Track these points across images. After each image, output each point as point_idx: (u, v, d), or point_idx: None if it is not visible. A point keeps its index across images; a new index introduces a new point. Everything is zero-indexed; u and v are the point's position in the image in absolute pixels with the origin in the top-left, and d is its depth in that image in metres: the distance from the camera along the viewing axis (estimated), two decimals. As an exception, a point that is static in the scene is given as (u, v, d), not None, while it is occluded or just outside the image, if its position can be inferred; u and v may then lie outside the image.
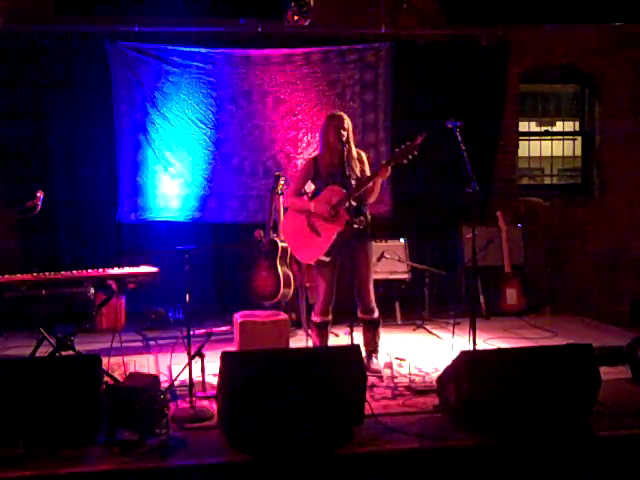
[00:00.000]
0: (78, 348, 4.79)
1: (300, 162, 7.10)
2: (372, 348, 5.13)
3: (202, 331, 5.91)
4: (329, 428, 3.69)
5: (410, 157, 4.81)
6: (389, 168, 4.90)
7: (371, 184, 4.97)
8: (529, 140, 8.33)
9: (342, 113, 5.11)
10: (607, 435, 3.81)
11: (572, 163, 8.49)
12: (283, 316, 5.65)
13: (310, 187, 5.26)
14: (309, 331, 5.59)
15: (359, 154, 5.15)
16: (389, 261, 6.72)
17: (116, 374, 4.71)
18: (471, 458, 3.65)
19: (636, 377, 4.68)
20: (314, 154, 5.29)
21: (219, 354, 3.75)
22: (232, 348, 5.54)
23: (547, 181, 8.65)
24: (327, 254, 5.02)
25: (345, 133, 4.96)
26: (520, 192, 7.98)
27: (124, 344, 4.92)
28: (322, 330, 5.21)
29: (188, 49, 7.06)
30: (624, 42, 7.81)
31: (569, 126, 8.47)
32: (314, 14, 6.56)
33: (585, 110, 8.26)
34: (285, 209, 5.90)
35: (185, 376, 4.39)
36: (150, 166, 7.10)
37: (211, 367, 4.55)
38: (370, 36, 7.32)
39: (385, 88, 7.40)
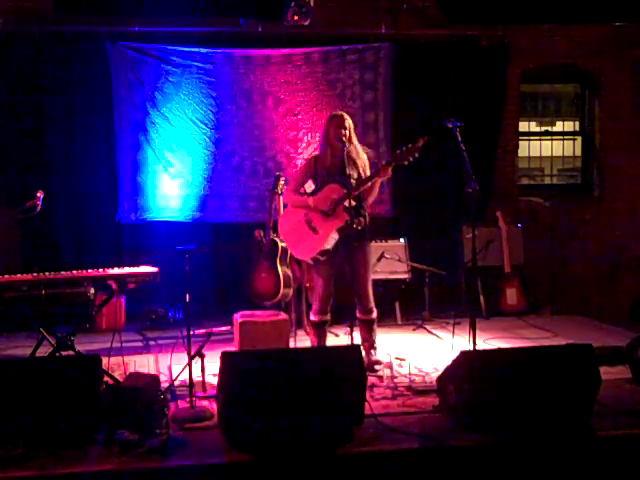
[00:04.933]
0: (78, 348, 4.79)
1: (300, 162, 7.10)
2: (370, 344, 5.15)
3: (202, 331, 5.91)
4: (329, 428, 3.68)
5: (411, 159, 4.82)
6: (389, 169, 4.90)
7: (370, 184, 4.97)
8: (529, 140, 8.32)
9: (343, 113, 5.13)
10: (607, 435, 3.81)
11: (572, 163, 8.49)
12: (283, 316, 5.66)
13: (310, 187, 5.27)
14: (308, 331, 5.59)
15: (360, 155, 5.14)
16: (389, 261, 6.71)
17: (116, 374, 4.70)
18: (471, 458, 3.65)
19: (636, 377, 4.68)
20: (315, 153, 5.28)
21: (219, 354, 3.75)
22: (232, 348, 5.54)
23: (547, 181, 8.64)
24: (324, 252, 5.02)
25: (345, 132, 4.97)
26: (520, 192, 7.98)
27: (124, 344, 4.91)
28: (320, 329, 5.21)
29: (188, 49, 7.06)
30: (624, 42, 7.82)
31: (569, 126, 8.46)
32: (314, 14, 6.57)
33: (585, 110, 8.26)
34: (285, 205, 5.90)
35: (185, 376, 4.39)
36: (150, 166, 7.10)
37: (211, 367, 4.55)
38: (370, 36, 7.31)
39: (385, 88, 7.40)
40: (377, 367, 5.01)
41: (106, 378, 4.36)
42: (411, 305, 7.00)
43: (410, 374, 4.89)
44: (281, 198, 6.27)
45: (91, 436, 3.67)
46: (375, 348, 5.17)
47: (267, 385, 3.65)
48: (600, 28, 7.69)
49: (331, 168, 5.05)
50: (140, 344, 6.03)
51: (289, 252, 6.06)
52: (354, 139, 5.09)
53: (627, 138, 7.96)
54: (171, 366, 4.98)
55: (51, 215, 6.59)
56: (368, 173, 5.10)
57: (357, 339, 4.81)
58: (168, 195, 7.14)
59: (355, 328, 4.83)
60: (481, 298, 6.99)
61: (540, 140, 8.39)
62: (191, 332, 4.45)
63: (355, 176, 4.99)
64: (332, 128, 5.01)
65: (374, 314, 5.15)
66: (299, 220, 5.13)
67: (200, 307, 6.63)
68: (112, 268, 4.88)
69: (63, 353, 4.70)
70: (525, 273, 7.30)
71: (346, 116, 5.08)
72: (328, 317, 5.22)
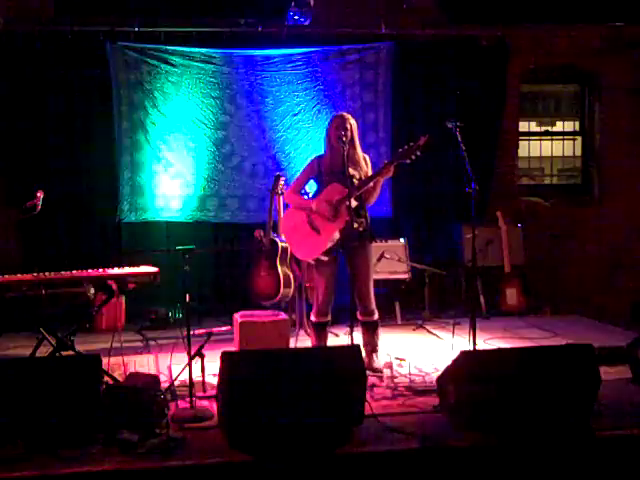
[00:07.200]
0: (78, 348, 4.79)
1: (300, 162, 7.10)
2: (372, 347, 5.11)
3: (202, 331, 5.91)
4: (329, 428, 3.68)
5: (413, 157, 4.80)
6: (391, 168, 4.89)
7: (372, 184, 4.96)
8: (529, 140, 8.33)
9: (345, 114, 5.11)
10: (607, 435, 3.81)
11: (572, 163, 8.49)
12: (283, 316, 5.65)
13: (312, 186, 5.27)
14: (309, 331, 5.59)
15: (363, 157, 5.14)
16: (389, 261, 6.71)
17: (116, 374, 4.70)
18: (471, 458, 3.65)
19: (636, 377, 4.68)
20: (316, 154, 5.27)
21: (219, 354, 3.75)
22: (232, 348, 5.54)
23: (547, 181, 8.64)
24: (326, 253, 5.01)
25: (347, 133, 4.95)
26: (520, 192, 7.99)
27: (124, 344, 4.92)
28: (321, 331, 5.20)
29: (188, 49, 7.06)
30: (624, 42, 7.82)
31: (569, 126, 8.47)
32: (314, 14, 6.57)
33: (585, 110, 8.26)
34: (286, 206, 5.90)
35: (185, 376, 4.39)
36: (150, 166, 7.10)
37: (211, 367, 4.55)
38: (370, 36, 7.32)
39: (385, 88, 7.40)
40: (378, 372, 4.99)
41: (106, 378, 4.36)
42: (411, 305, 7.01)
43: (410, 374, 4.88)
44: (281, 198, 6.27)
45: (91, 436, 3.67)
46: (377, 351, 5.13)
47: (267, 385, 3.65)
48: (600, 28, 7.69)
49: (333, 168, 5.03)
50: (140, 344, 6.03)
51: (289, 252, 6.06)
52: (356, 141, 5.07)
53: (627, 138, 7.96)
54: (171, 366, 4.98)
55: (51, 215, 6.58)
56: (370, 174, 5.09)
57: (357, 339, 4.80)
58: (168, 195, 7.14)
59: (355, 328, 4.82)
60: (481, 298, 6.99)
61: (540, 140, 8.40)
62: (191, 332, 4.45)
63: (357, 176, 4.98)
64: (334, 128, 4.99)
65: (376, 316, 5.12)
66: (301, 221, 5.11)
67: (200, 307, 6.63)
68: (112, 268, 4.88)
69: (63, 353, 4.70)
70: (525, 273, 7.30)
71: (348, 117, 5.06)
72: (328, 318, 5.20)
